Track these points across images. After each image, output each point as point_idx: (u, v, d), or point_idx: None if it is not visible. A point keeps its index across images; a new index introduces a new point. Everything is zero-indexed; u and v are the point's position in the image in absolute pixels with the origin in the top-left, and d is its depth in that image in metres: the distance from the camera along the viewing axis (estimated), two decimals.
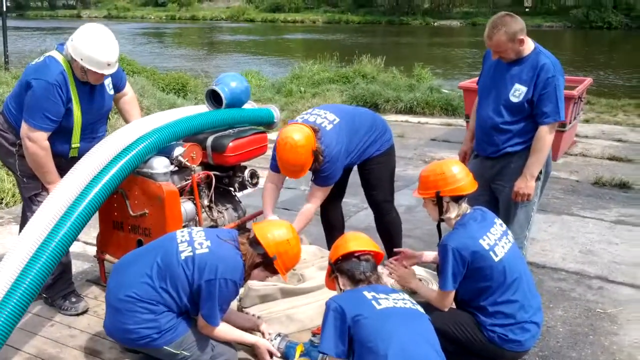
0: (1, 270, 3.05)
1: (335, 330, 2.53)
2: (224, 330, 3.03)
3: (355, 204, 5.84)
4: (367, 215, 4.46)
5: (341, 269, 2.80)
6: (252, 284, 3.53)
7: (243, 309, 3.51)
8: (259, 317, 3.40)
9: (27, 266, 3.05)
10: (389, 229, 4.29)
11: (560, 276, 4.55)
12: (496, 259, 2.98)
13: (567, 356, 3.50)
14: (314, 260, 4.01)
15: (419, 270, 3.66)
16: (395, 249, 3.86)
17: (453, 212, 3.12)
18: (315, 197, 3.91)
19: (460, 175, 3.12)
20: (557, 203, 6.24)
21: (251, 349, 3.21)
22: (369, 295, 2.62)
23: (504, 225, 3.19)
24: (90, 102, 3.50)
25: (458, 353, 3.05)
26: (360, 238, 2.91)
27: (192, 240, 2.99)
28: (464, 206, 3.14)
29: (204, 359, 3.00)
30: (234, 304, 3.51)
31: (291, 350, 3.09)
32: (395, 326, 2.50)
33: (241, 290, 3.56)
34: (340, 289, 2.80)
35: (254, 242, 3.01)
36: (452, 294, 3.05)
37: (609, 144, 9.19)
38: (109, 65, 3.39)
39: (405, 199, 6.18)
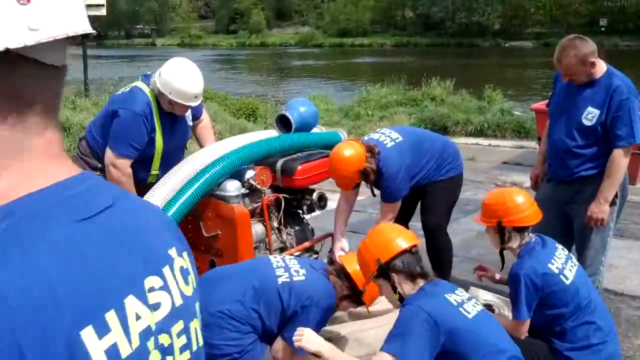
0: None
1: (426, 345, 2.36)
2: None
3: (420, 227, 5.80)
4: None
5: (395, 267, 2.56)
6: None
7: None
8: (329, 339, 3.42)
9: None
10: (437, 255, 4.26)
11: (638, 304, 4.36)
12: (567, 282, 2.91)
13: None
14: None
15: (490, 297, 3.59)
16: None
17: (515, 243, 3.07)
18: (384, 214, 3.96)
19: (524, 206, 3.07)
20: (636, 228, 6.00)
21: None
22: (452, 300, 2.49)
23: (566, 250, 3.13)
24: (172, 133, 3.66)
25: None
26: (400, 230, 2.76)
27: (288, 267, 3.07)
28: (528, 235, 3.08)
29: None
30: None
31: None
32: (488, 335, 2.50)
33: None
34: (396, 290, 2.58)
35: (343, 274, 3.07)
36: (528, 322, 2.98)
37: None
38: (195, 97, 3.55)
39: (476, 224, 6.08)
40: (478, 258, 5.27)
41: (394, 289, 2.55)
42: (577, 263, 3.08)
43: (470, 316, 2.45)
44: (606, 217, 3.61)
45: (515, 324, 3.01)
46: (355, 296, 3.06)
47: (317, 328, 3.01)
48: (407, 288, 2.54)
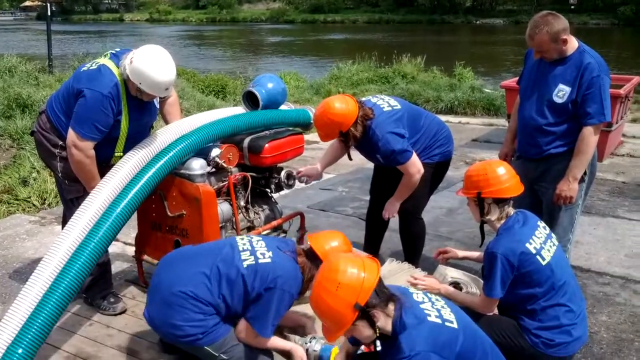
0: (41, 269, 3.11)
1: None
2: (263, 343, 3.02)
3: None
4: None
5: (372, 304, 2.28)
6: None
7: None
8: (308, 316, 3.38)
9: (66, 266, 3.11)
10: (410, 238, 4.26)
11: (605, 280, 4.41)
12: (543, 263, 2.90)
13: None
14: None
15: (458, 274, 3.58)
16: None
17: (494, 215, 3.04)
18: (407, 172, 3.83)
19: (504, 178, 3.03)
20: (602, 205, 6.07)
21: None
22: (434, 319, 2.35)
23: (547, 228, 3.10)
24: (138, 115, 3.53)
25: None
26: (354, 260, 2.36)
27: (254, 250, 3.02)
28: (508, 209, 3.06)
29: None
30: None
31: (326, 353, 3.06)
32: None
33: None
34: (374, 326, 2.32)
35: (311, 255, 3.02)
36: (498, 300, 2.99)
37: None
38: (166, 89, 3.43)
39: (446, 201, 6.10)
40: (447, 235, 5.29)
41: (373, 325, 2.29)
42: (557, 243, 3.05)
43: (456, 326, 2.38)
44: (575, 195, 3.61)
45: (486, 301, 3.00)
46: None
47: (282, 310, 2.96)
48: (382, 320, 2.30)
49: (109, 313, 3.71)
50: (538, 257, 2.90)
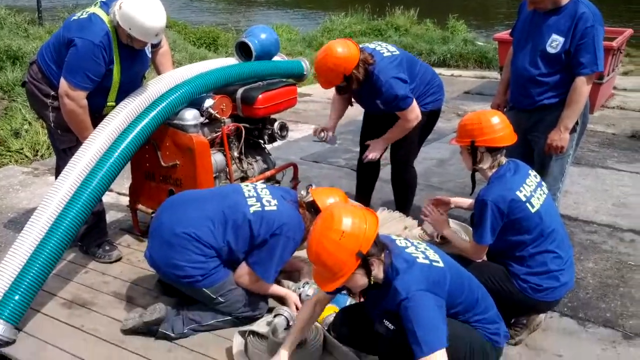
0: (36, 218, 3.15)
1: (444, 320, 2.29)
2: (260, 288, 3.11)
3: (385, 157, 5.82)
4: None
5: (371, 253, 2.31)
6: None
7: None
8: (302, 260, 3.45)
9: (61, 214, 3.15)
10: (402, 187, 4.32)
11: (592, 229, 4.50)
12: (533, 210, 2.94)
13: (596, 307, 3.50)
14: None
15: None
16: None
17: (486, 163, 3.07)
18: (406, 118, 3.88)
19: (497, 127, 3.05)
20: (591, 156, 6.14)
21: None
22: (422, 260, 2.42)
23: (538, 177, 3.14)
24: (130, 64, 3.51)
25: None
26: (356, 211, 2.36)
27: (260, 197, 3.08)
28: (500, 158, 3.09)
29: (236, 307, 3.07)
30: None
31: None
32: None
33: None
34: (370, 276, 2.34)
35: (312, 208, 3.07)
36: (487, 247, 3.05)
37: None
38: (156, 35, 3.40)
39: (437, 152, 6.15)
40: (438, 186, 5.35)
41: (370, 274, 2.32)
42: (546, 191, 3.10)
43: (443, 265, 2.44)
44: (566, 144, 3.64)
45: (475, 248, 3.06)
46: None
47: (286, 256, 3.04)
48: (377, 268, 2.34)
49: (104, 261, 3.76)
50: (528, 204, 2.95)
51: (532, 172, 3.14)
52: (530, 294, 2.98)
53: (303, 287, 3.22)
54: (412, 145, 4.18)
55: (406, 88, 3.79)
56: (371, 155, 4.08)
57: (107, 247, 3.82)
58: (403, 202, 4.33)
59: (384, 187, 4.73)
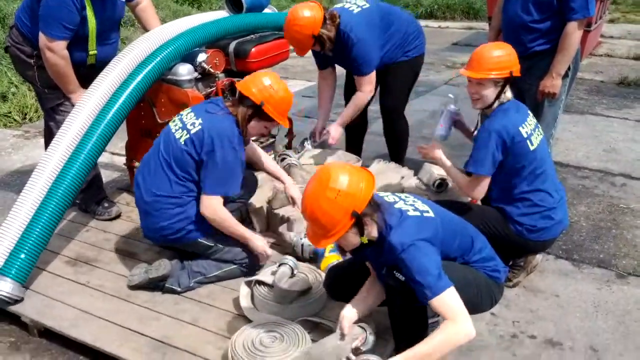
0: (36, 178, 3.15)
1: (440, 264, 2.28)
2: (226, 216, 3.02)
3: (377, 110, 5.83)
4: None
5: (366, 212, 2.27)
6: (281, 186, 3.60)
7: (272, 210, 3.60)
8: (288, 219, 3.49)
9: (61, 174, 3.15)
10: (394, 137, 4.32)
11: (584, 174, 4.57)
12: (532, 148, 2.96)
13: (589, 249, 3.59)
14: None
15: (444, 172, 3.66)
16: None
17: (508, 94, 3.06)
18: (363, 86, 3.87)
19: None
20: (581, 103, 6.19)
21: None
22: (412, 212, 2.40)
23: (535, 119, 3.17)
24: (103, 9, 3.46)
25: None
26: (352, 170, 2.30)
27: (184, 124, 3.01)
28: (509, 93, 3.09)
29: (237, 252, 3.09)
30: (264, 205, 3.60)
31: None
32: None
33: (270, 193, 3.65)
34: (363, 234, 2.31)
35: (241, 99, 2.98)
36: (487, 181, 3.01)
37: (635, 44, 8.98)
38: None
39: (429, 104, 6.17)
40: (430, 137, 5.34)
41: (362, 232, 2.30)
42: (542, 133, 3.13)
43: (433, 214, 2.43)
44: (558, 90, 3.67)
45: (475, 180, 3.03)
46: (258, 112, 2.97)
47: (232, 165, 2.93)
48: (370, 226, 2.31)
49: (104, 218, 3.77)
50: (528, 142, 2.97)
51: (530, 114, 3.15)
52: (526, 235, 3.03)
53: (305, 237, 3.26)
54: (401, 94, 4.18)
55: (372, 53, 3.76)
56: (331, 140, 4.03)
57: (106, 204, 3.82)
58: (397, 152, 4.36)
59: (376, 139, 4.75)
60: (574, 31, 3.54)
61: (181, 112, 3.14)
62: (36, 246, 3.00)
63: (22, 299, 2.94)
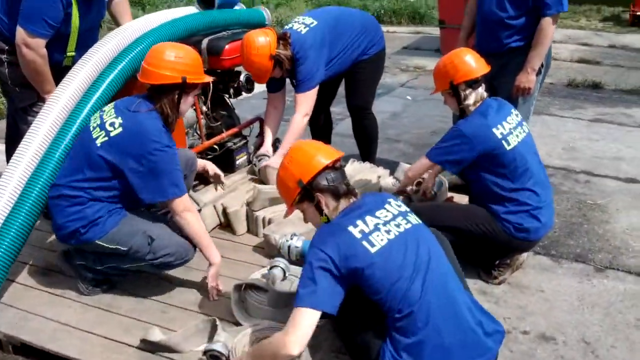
0: (3, 185, 2.92)
1: (331, 287, 2.07)
2: (199, 228, 2.83)
3: (338, 112, 5.79)
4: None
5: (319, 187, 2.25)
6: (262, 187, 3.51)
7: (253, 212, 3.50)
8: (270, 220, 3.40)
9: (31, 179, 2.92)
10: (365, 134, 4.31)
11: (548, 172, 4.58)
12: (508, 148, 2.98)
13: (565, 244, 3.65)
14: None
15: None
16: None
17: (471, 99, 3.08)
18: (300, 106, 3.80)
19: (469, 59, 3.08)
20: (536, 104, 6.32)
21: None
22: (357, 233, 2.12)
23: (520, 116, 3.20)
24: (87, 9, 3.29)
25: (469, 246, 3.14)
26: (318, 146, 2.36)
27: (103, 123, 2.76)
28: (482, 93, 3.12)
29: (144, 252, 2.79)
30: (243, 207, 3.50)
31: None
32: (394, 265, 2.10)
33: (250, 193, 3.55)
34: (322, 212, 2.28)
35: (158, 90, 2.77)
36: (427, 164, 3.21)
37: (576, 47, 9.31)
38: None
39: (389, 106, 6.19)
40: (396, 138, 5.40)
41: (320, 210, 2.27)
42: (527, 130, 3.16)
43: (373, 250, 2.09)
44: (533, 86, 3.75)
45: (421, 160, 3.23)
46: (184, 89, 2.77)
47: (171, 165, 2.72)
48: (331, 208, 2.27)
49: None
50: (503, 142, 2.99)
51: (515, 112, 3.18)
52: (513, 233, 3.06)
53: (291, 238, 3.17)
54: (367, 91, 4.18)
55: (315, 72, 3.75)
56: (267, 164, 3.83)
57: None
58: (367, 151, 4.33)
59: (345, 141, 4.73)
60: (548, 26, 3.63)
61: (103, 108, 2.89)
62: (7, 256, 2.77)
63: None
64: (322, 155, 2.29)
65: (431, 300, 2.08)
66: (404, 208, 2.31)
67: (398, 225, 2.19)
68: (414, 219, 2.28)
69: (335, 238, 2.11)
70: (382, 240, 2.12)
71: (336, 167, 2.31)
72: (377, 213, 2.21)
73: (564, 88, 7.07)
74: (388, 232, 2.15)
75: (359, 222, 2.15)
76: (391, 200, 2.32)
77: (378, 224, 2.16)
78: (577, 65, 8.17)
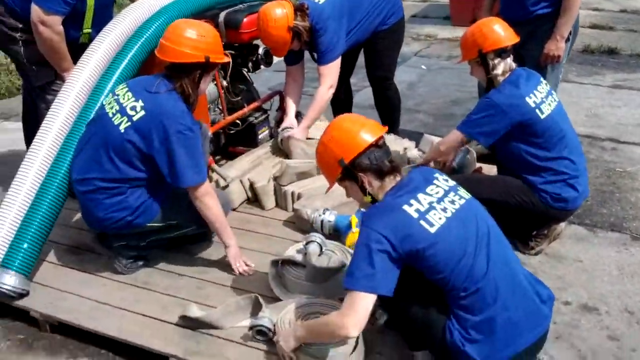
0: (28, 165, 2.86)
1: (389, 269, 1.99)
2: (218, 212, 2.77)
3: (354, 83, 5.68)
4: (370, 92, 4.35)
5: (361, 166, 2.14)
6: (290, 162, 3.44)
7: (281, 186, 3.43)
8: (299, 195, 3.34)
9: (58, 157, 2.88)
10: (387, 105, 4.25)
11: None
12: (542, 116, 2.92)
13: (598, 213, 3.60)
14: None
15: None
16: None
17: (500, 68, 3.01)
18: (324, 78, 3.73)
19: (498, 28, 3.01)
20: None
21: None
22: (412, 212, 2.02)
23: (549, 85, 3.13)
24: None
25: (505, 217, 3.07)
26: (363, 121, 2.21)
27: (123, 108, 2.68)
28: (510, 62, 3.04)
29: (195, 217, 2.79)
30: (270, 182, 3.44)
31: (344, 221, 3.04)
32: (455, 245, 2.02)
33: (277, 167, 3.49)
34: (366, 191, 2.17)
35: (179, 69, 2.70)
36: (460, 139, 3.13)
37: (587, 13, 9.13)
38: None
39: (405, 76, 6.08)
40: (415, 108, 5.31)
41: (364, 190, 2.17)
42: (557, 99, 3.09)
43: (433, 230, 2.00)
44: (562, 53, 3.65)
45: (452, 135, 3.15)
46: (205, 69, 2.72)
47: (195, 149, 2.67)
48: (376, 188, 2.17)
49: None
50: (537, 110, 2.92)
51: (544, 81, 3.12)
52: (551, 203, 2.99)
53: (323, 213, 3.12)
54: (389, 60, 4.11)
55: (336, 42, 3.66)
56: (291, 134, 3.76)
57: None
58: (391, 122, 4.22)
59: (363, 113, 4.60)
60: None
61: (117, 93, 2.77)
62: (39, 235, 2.74)
63: (28, 293, 2.69)
64: (367, 132, 2.15)
65: (497, 275, 2.03)
66: (452, 182, 2.22)
67: (452, 202, 2.11)
68: (464, 192, 2.20)
69: (391, 218, 2.01)
70: (440, 219, 2.03)
71: (379, 144, 2.17)
72: (428, 190, 2.12)
73: (580, 54, 6.93)
74: (444, 209, 2.06)
75: (412, 201, 2.05)
76: (437, 175, 2.23)
77: (432, 202, 2.07)
78: (589, 31, 8.01)
